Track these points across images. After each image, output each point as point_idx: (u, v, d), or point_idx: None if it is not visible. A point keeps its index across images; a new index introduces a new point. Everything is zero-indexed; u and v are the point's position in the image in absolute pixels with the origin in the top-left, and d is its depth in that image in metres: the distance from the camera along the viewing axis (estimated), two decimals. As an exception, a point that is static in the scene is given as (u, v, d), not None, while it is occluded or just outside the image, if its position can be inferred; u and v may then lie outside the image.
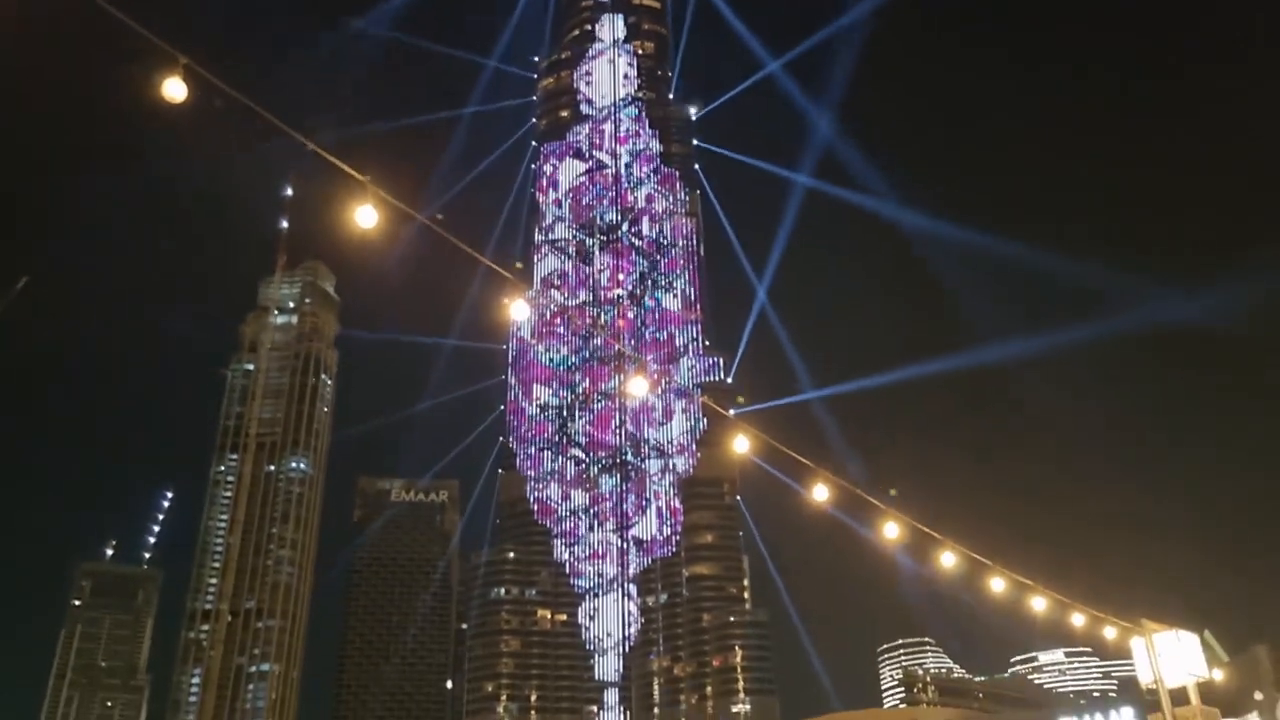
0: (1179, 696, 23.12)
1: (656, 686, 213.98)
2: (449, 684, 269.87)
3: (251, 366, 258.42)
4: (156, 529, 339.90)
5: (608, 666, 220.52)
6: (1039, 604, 24.47)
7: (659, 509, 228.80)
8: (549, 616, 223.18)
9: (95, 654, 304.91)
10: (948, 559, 22.63)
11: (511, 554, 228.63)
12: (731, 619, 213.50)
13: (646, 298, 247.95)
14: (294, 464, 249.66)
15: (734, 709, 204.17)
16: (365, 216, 14.47)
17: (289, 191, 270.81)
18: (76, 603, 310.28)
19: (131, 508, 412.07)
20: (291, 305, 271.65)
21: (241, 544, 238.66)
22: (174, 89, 13.15)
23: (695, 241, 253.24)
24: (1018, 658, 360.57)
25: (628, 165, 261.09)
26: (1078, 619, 24.96)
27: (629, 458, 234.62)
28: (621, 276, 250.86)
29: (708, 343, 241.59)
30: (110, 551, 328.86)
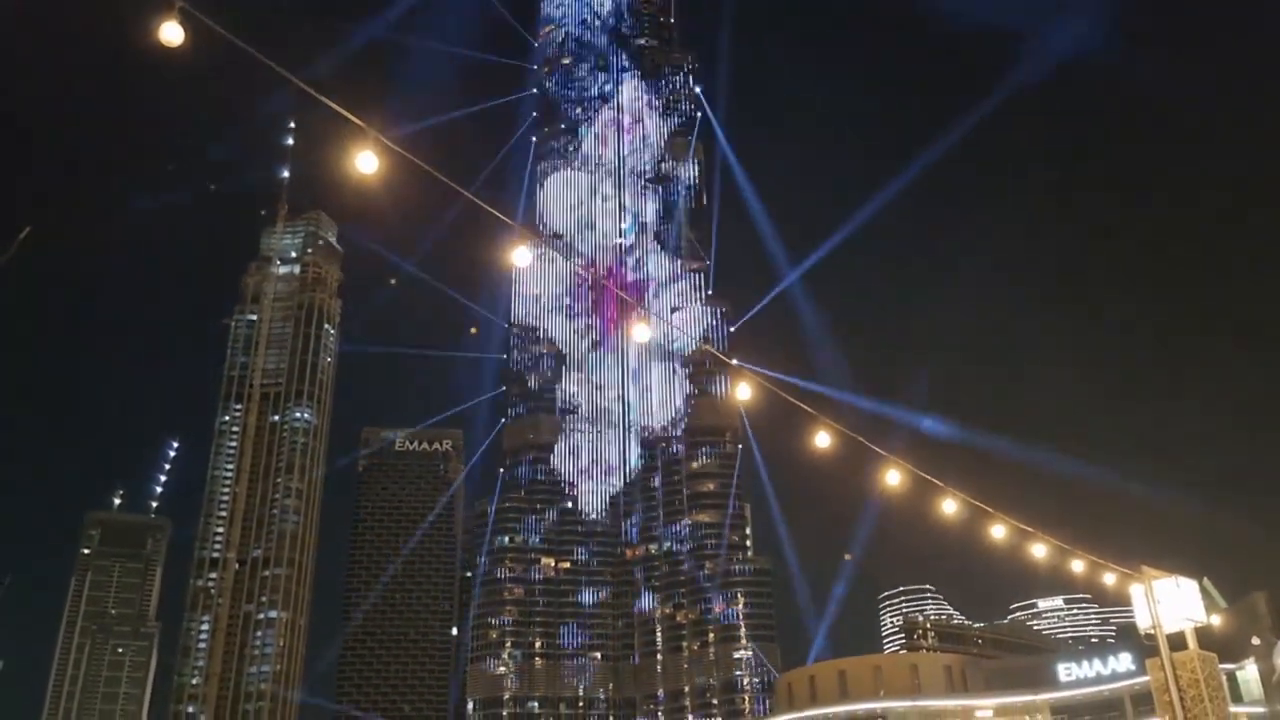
0: (1177, 642, 23.30)
1: (659, 633, 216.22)
2: (454, 631, 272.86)
3: (254, 317, 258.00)
4: (164, 478, 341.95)
5: (610, 614, 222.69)
6: (1039, 551, 24.53)
7: (661, 458, 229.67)
8: (552, 564, 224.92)
9: (105, 602, 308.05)
10: (949, 506, 22.66)
11: (514, 503, 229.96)
12: (733, 567, 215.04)
13: (650, 244, 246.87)
14: (298, 414, 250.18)
15: (735, 655, 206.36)
16: (366, 163, 14.28)
17: (290, 141, 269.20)
18: (86, 551, 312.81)
19: (138, 457, 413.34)
20: (294, 255, 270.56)
21: (248, 493, 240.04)
22: (171, 32, 12.85)
23: (700, 188, 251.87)
24: (1017, 604, 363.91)
25: (631, 112, 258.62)
26: (1078, 566, 25.05)
27: (630, 407, 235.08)
28: (624, 224, 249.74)
29: (710, 291, 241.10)
30: (118, 501, 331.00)
